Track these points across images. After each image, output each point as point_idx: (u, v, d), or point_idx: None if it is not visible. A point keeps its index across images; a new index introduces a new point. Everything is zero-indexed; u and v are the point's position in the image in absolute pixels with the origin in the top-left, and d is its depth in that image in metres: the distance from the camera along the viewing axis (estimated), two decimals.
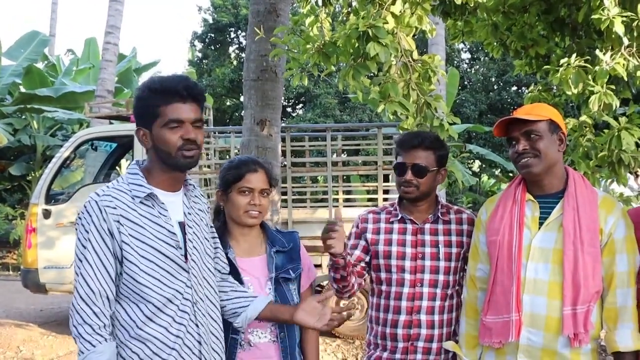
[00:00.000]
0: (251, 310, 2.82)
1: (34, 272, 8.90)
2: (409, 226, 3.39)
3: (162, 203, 2.62)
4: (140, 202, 2.57)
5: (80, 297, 2.46)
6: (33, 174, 18.30)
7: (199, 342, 2.65)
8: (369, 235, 3.42)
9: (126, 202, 2.54)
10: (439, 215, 3.39)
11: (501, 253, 2.94)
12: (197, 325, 2.66)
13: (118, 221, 2.50)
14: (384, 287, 3.37)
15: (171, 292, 2.58)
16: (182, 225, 2.67)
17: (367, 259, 3.45)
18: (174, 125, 2.55)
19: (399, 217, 3.41)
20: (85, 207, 2.53)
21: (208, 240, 2.80)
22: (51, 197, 9.20)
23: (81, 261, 2.49)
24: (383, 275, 3.37)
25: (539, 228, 2.93)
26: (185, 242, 2.65)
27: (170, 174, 2.65)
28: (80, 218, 2.53)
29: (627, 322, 2.81)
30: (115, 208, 2.51)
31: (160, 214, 2.60)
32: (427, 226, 3.37)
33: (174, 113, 2.55)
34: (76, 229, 2.56)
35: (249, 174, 3.04)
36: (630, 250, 2.86)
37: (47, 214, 8.94)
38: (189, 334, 2.63)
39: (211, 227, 2.89)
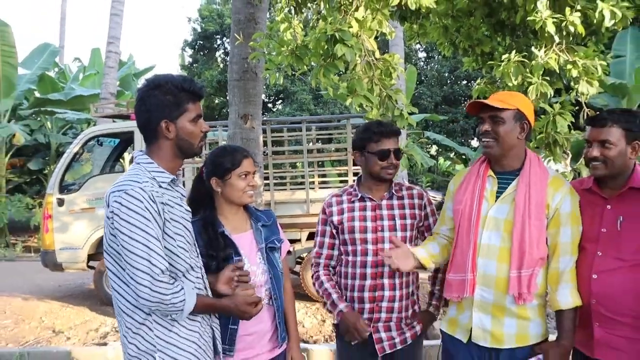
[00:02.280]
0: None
1: (51, 253, 8.85)
2: (368, 203, 3.45)
3: (177, 186, 2.67)
4: (165, 187, 2.57)
5: (162, 270, 2.41)
6: (48, 168, 18.15)
7: (208, 295, 2.72)
8: (335, 218, 3.48)
9: (156, 187, 2.51)
10: (394, 192, 3.47)
11: (462, 221, 3.00)
12: (206, 289, 2.73)
13: (162, 202, 2.49)
14: (350, 258, 3.43)
15: (192, 261, 2.63)
16: None
17: (337, 242, 3.52)
18: (198, 120, 2.62)
19: (359, 197, 3.46)
20: (129, 194, 2.41)
21: None
22: (64, 188, 9.13)
23: (144, 240, 2.39)
24: (349, 247, 3.43)
25: (496, 201, 2.96)
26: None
27: (181, 161, 2.68)
28: (125, 204, 2.40)
29: (566, 283, 2.87)
30: (158, 192, 2.49)
31: (178, 194, 2.65)
32: (384, 202, 3.43)
33: (198, 110, 2.63)
34: (114, 215, 2.42)
35: (244, 160, 3.05)
36: (574, 224, 2.91)
37: (61, 202, 8.88)
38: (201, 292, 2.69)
39: None
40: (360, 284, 3.38)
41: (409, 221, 3.42)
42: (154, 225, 2.43)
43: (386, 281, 3.36)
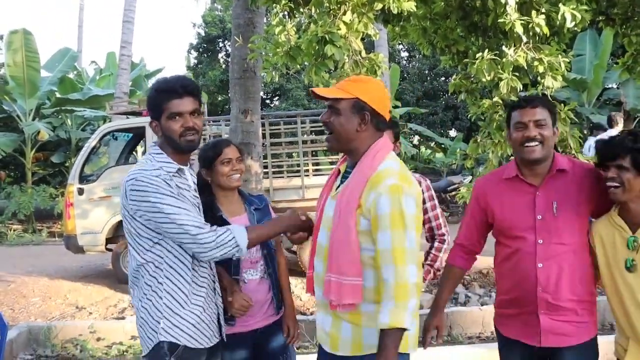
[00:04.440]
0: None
1: (73, 237, 8.83)
2: None
3: (185, 174, 2.66)
4: (173, 175, 2.57)
5: (196, 226, 2.46)
6: (69, 161, 18.11)
7: (213, 275, 2.77)
8: None
9: (164, 174, 2.53)
10: None
11: (316, 219, 2.58)
12: (211, 269, 2.77)
13: (169, 185, 2.51)
14: None
15: None
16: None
17: None
18: (175, 117, 2.55)
19: None
20: (139, 179, 2.47)
21: None
22: (83, 178, 9.09)
23: (170, 209, 2.44)
24: None
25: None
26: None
27: (180, 154, 2.64)
28: (140, 188, 2.46)
29: (388, 300, 2.18)
30: (166, 177, 2.52)
31: (186, 182, 2.65)
32: None
33: (174, 108, 2.54)
34: (134, 203, 2.48)
35: (226, 148, 3.04)
36: (395, 227, 2.21)
37: (81, 192, 8.85)
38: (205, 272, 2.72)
39: None
40: None
41: None
42: (169, 195, 2.47)
43: None
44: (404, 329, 2.17)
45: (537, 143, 2.62)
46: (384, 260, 2.21)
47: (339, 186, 2.46)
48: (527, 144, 2.63)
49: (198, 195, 2.75)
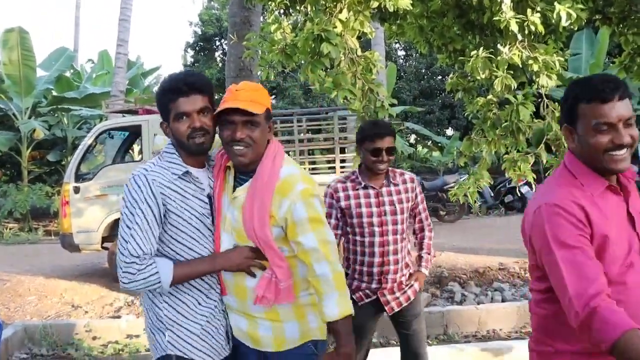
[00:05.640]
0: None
1: (69, 236, 8.79)
2: (371, 191, 3.59)
3: (197, 178, 2.47)
4: (179, 177, 2.43)
5: (130, 254, 2.29)
6: (65, 159, 18.14)
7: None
8: (343, 203, 3.59)
9: (168, 177, 2.40)
10: (391, 180, 3.62)
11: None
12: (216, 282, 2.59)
13: (162, 192, 2.36)
14: (358, 238, 3.60)
15: (201, 249, 2.46)
16: (208, 196, 2.50)
17: (340, 222, 3.64)
18: (182, 118, 2.38)
19: (362, 185, 3.59)
20: (134, 180, 2.35)
21: None
22: (79, 177, 9.05)
23: (130, 224, 2.31)
24: (357, 229, 3.59)
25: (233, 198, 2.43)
26: (212, 209, 2.50)
27: (197, 157, 2.50)
28: (129, 189, 2.35)
29: (331, 292, 2.27)
30: (161, 182, 2.37)
31: (196, 187, 2.47)
32: (384, 190, 3.59)
33: (179, 108, 2.38)
34: (123, 199, 2.38)
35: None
36: (316, 227, 2.31)
37: (77, 190, 8.82)
38: (214, 281, 2.54)
39: None
40: (369, 260, 3.59)
41: (405, 204, 3.63)
42: (145, 212, 2.33)
43: (391, 257, 3.59)
44: (351, 315, 2.30)
45: (627, 149, 1.92)
46: (315, 258, 2.29)
47: (234, 188, 2.42)
48: (615, 153, 1.91)
49: (207, 201, 2.52)
